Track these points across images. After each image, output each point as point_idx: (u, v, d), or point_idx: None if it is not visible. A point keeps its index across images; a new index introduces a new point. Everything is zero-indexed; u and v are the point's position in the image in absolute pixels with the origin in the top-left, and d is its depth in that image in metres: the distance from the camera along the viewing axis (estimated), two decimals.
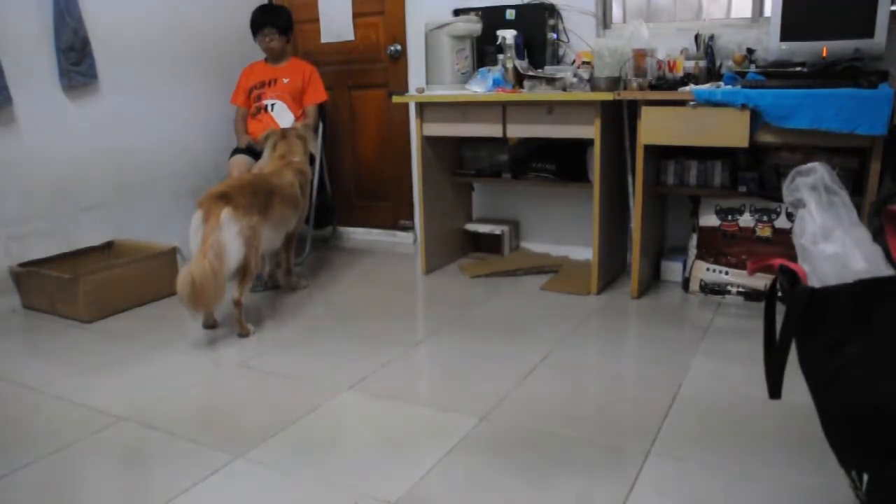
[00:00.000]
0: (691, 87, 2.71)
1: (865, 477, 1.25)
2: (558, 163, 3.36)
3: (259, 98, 3.71)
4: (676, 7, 3.47)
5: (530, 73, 3.12)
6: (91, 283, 2.95)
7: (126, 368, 2.48)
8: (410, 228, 4.18)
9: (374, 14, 4.02)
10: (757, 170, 2.93)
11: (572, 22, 3.43)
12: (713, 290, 3.01)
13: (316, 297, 3.24)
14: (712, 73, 2.93)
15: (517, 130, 3.11)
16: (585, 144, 3.15)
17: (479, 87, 3.16)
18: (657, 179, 3.11)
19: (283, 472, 1.78)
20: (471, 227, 3.79)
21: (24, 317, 3.08)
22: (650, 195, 3.05)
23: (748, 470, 1.72)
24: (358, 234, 4.38)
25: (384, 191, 4.26)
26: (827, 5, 2.64)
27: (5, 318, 3.05)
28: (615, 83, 2.89)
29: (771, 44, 2.73)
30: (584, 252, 3.51)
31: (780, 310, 1.30)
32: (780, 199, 2.78)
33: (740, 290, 2.95)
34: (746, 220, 2.96)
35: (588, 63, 3.03)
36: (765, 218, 2.93)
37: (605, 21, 3.46)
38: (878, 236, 1.34)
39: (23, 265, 3.11)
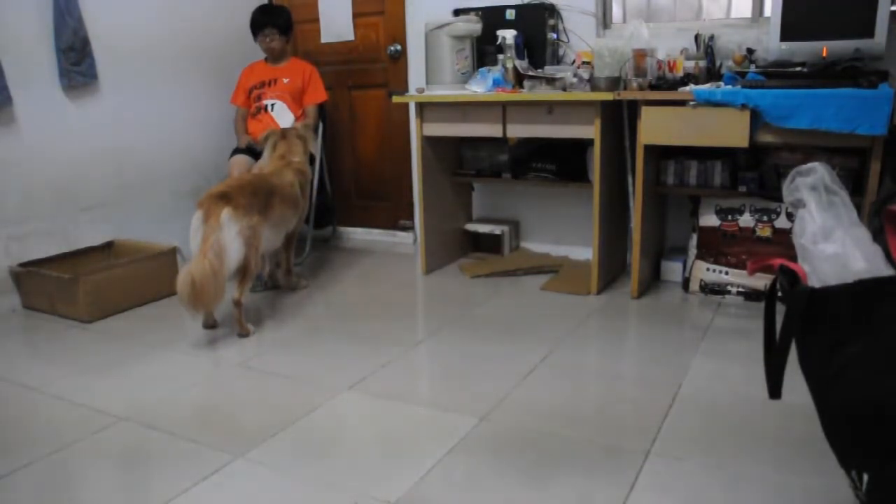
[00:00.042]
0: (691, 87, 2.71)
1: (865, 477, 1.25)
2: (558, 163, 3.36)
3: (259, 98, 3.71)
4: (676, 7, 3.47)
5: (530, 73, 3.12)
6: (91, 283, 2.95)
7: (126, 368, 2.48)
8: (410, 228, 4.18)
9: (374, 14, 4.02)
10: (757, 170, 2.93)
11: (572, 22, 3.43)
12: (713, 290, 3.01)
13: (316, 297, 3.24)
14: (712, 73, 2.93)
15: (517, 130, 3.11)
16: (585, 144, 3.15)
17: (479, 87, 3.16)
18: (657, 179, 3.11)
19: (283, 472, 1.78)
20: (471, 227, 3.79)
21: (24, 317, 3.08)
22: (650, 195, 3.05)
23: (748, 470, 1.72)
24: (358, 234, 4.38)
25: (384, 191, 4.26)
26: (827, 5, 2.64)
27: (5, 318, 3.05)
28: (615, 83, 2.89)
29: (771, 44, 2.73)
30: (584, 252, 3.51)
31: (780, 310, 1.30)
32: (780, 199, 2.78)
33: (740, 290, 2.95)
34: (746, 220, 2.96)
35: (588, 63, 3.03)
36: (765, 218, 2.93)
37: (605, 21, 3.46)
38: (878, 236, 1.34)
39: (23, 265, 3.11)
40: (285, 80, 3.71)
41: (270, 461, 1.83)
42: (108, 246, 3.48)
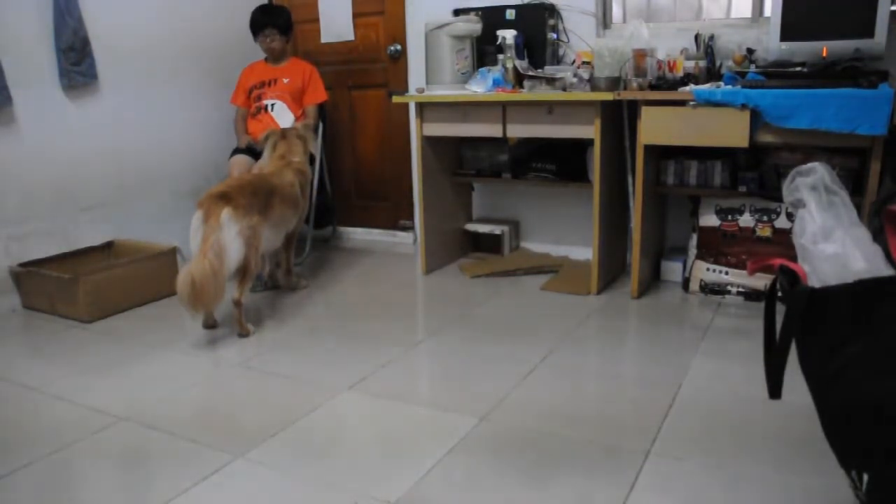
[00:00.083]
0: (691, 87, 2.71)
1: (865, 477, 1.25)
2: (558, 163, 3.36)
3: (259, 98, 3.71)
4: (676, 7, 3.47)
5: (530, 73, 3.12)
6: (91, 283, 2.95)
7: (126, 368, 2.48)
8: (410, 228, 4.18)
9: (374, 14, 4.02)
10: (757, 170, 2.93)
11: (572, 22, 3.43)
12: (713, 290, 3.01)
13: (316, 297, 3.24)
14: (712, 73, 2.93)
15: (517, 130, 3.11)
16: (585, 144, 3.15)
17: (479, 87, 3.16)
18: (657, 179, 3.11)
19: (283, 472, 1.78)
20: (471, 227, 3.79)
21: (24, 317, 3.08)
22: (650, 195, 3.05)
23: (748, 470, 1.72)
24: (358, 234, 4.38)
25: (384, 191, 4.26)
26: (827, 5, 2.64)
27: (5, 318, 3.05)
28: (615, 83, 2.89)
29: (771, 44, 2.73)
30: (584, 252, 3.51)
31: (780, 310, 1.30)
32: (780, 199, 2.78)
33: (740, 290, 2.95)
34: (746, 220, 2.96)
35: (588, 63, 3.03)
36: (765, 218, 2.93)
37: (605, 21, 3.46)
38: (878, 236, 1.34)
39: (23, 265, 3.11)
40: (285, 80, 3.71)
41: (270, 461, 1.83)
42: (108, 246, 3.48)
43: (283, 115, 3.67)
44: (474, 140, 3.56)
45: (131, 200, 3.60)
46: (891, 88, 2.40)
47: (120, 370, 2.47)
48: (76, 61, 3.25)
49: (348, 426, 2.03)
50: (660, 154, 3.05)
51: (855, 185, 2.68)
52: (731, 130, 2.60)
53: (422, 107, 3.32)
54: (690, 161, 3.02)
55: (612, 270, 3.31)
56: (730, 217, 2.99)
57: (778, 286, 1.33)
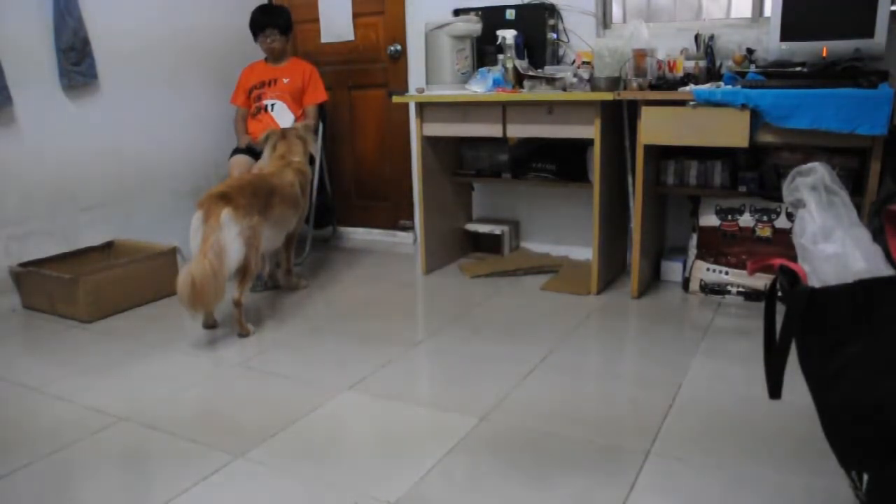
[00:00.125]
0: (691, 87, 2.71)
1: (865, 477, 1.25)
2: (558, 163, 3.36)
3: (259, 98, 3.71)
4: (676, 7, 3.47)
5: (530, 73, 3.12)
6: (91, 283, 2.95)
7: (126, 368, 2.48)
8: (410, 228, 4.18)
9: (374, 14, 4.02)
10: (757, 170, 2.93)
11: (572, 22, 3.43)
12: (713, 290, 3.01)
13: (316, 297, 3.24)
14: (712, 73, 2.93)
15: (517, 130, 3.11)
16: (585, 144, 3.15)
17: (479, 87, 3.16)
18: (657, 179, 3.11)
19: (283, 472, 1.78)
20: (471, 227, 3.79)
21: (24, 317, 3.08)
22: (650, 195, 3.05)
23: (748, 470, 1.72)
24: (358, 234, 4.38)
25: (384, 191, 4.26)
26: (827, 5, 2.64)
27: (5, 318, 3.05)
28: (615, 83, 2.89)
29: (771, 44, 2.73)
30: (584, 252, 3.51)
31: (780, 310, 1.30)
32: (780, 199, 2.78)
33: (740, 290, 2.95)
34: (746, 220, 2.97)
35: (588, 63, 3.03)
36: (765, 218, 2.93)
37: (605, 21, 3.46)
38: (878, 236, 1.34)
39: (23, 265, 3.11)
40: (285, 80, 3.71)
41: (270, 461, 1.83)
42: (108, 246, 3.48)
43: (283, 116, 3.67)
44: (474, 140, 3.56)
45: (131, 200, 3.60)
46: (891, 88, 2.40)
47: (120, 370, 2.47)
48: (76, 61, 3.25)
49: (348, 426, 2.03)
50: (660, 154, 3.06)
51: (855, 185, 2.68)
52: (731, 130, 2.60)
53: (422, 107, 3.32)
54: (690, 161, 3.02)
55: (612, 270, 3.31)
56: (730, 217, 2.99)
57: (778, 286, 1.33)
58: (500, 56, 3.22)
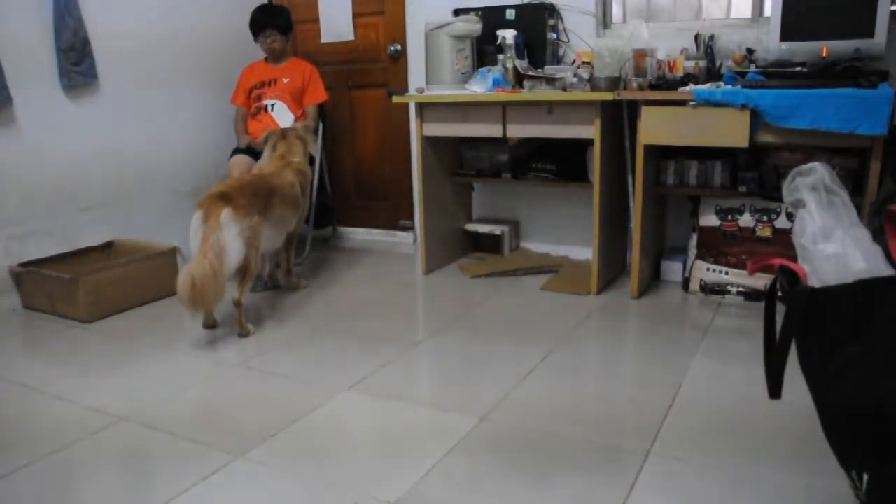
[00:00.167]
0: (691, 87, 2.71)
1: (865, 477, 1.25)
2: (558, 163, 3.36)
3: (259, 98, 3.71)
4: (676, 7, 3.47)
5: (530, 73, 3.12)
6: (91, 283, 2.95)
7: (126, 368, 2.48)
8: (410, 228, 4.18)
9: (374, 14, 4.02)
10: (757, 170, 2.93)
11: (572, 22, 3.43)
12: (713, 290, 3.01)
13: (316, 297, 3.24)
14: (712, 73, 2.93)
15: (517, 130, 3.11)
16: (585, 144, 3.15)
17: (479, 87, 3.16)
18: (657, 179, 3.11)
19: (283, 472, 1.78)
20: (471, 227, 3.79)
21: (24, 317, 3.08)
22: (650, 195, 3.05)
23: (748, 470, 1.72)
24: (358, 234, 4.38)
25: (384, 191, 4.26)
26: (827, 5, 2.64)
27: (5, 318, 3.05)
28: (615, 83, 2.89)
29: (771, 44, 2.73)
30: (584, 252, 3.51)
31: (780, 310, 1.30)
32: (780, 199, 2.78)
33: (740, 290, 2.95)
34: (746, 220, 2.97)
35: (588, 63, 3.03)
36: (765, 218, 2.93)
37: (605, 21, 3.46)
38: (878, 236, 1.34)
39: (23, 265, 3.11)
40: (285, 80, 3.71)
41: (270, 461, 1.83)
42: (108, 246, 3.48)
43: (283, 116, 3.67)
44: (474, 140, 3.56)
45: (131, 200, 3.60)
46: (891, 88, 2.40)
47: (120, 370, 2.47)
48: (76, 61, 3.25)
49: (348, 426, 2.03)
50: (660, 154, 3.06)
51: (855, 185, 2.68)
52: (731, 130, 2.60)
53: (422, 107, 3.32)
54: (690, 161, 3.02)
55: (612, 270, 3.31)
56: (730, 217, 2.99)
57: (778, 286, 1.33)
58: (500, 56, 3.22)
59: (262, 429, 1.99)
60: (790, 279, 1.27)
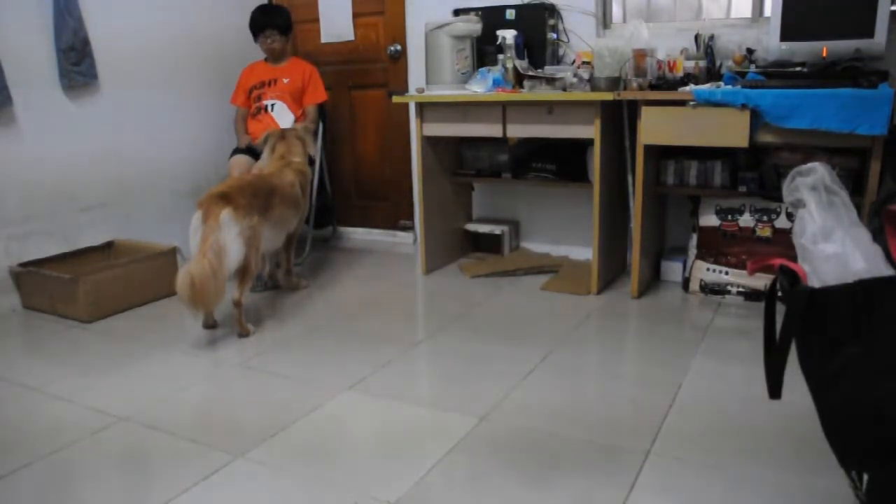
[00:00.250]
0: (691, 87, 2.71)
1: (865, 477, 1.25)
2: (558, 163, 3.36)
3: (259, 98, 3.71)
4: (676, 7, 3.47)
5: (530, 73, 3.12)
6: (91, 283, 2.95)
7: (126, 368, 2.48)
8: (410, 228, 4.18)
9: (374, 14, 4.02)
10: (757, 170, 2.93)
11: (572, 22, 3.43)
12: (713, 290, 3.01)
13: (316, 297, 3.24)
14: (712, 73, 2.93)
15: (517, 130, 3.11)
16: (585, 144, 3.15)
17: (479, 87, 3.16)
18: (657, 179, 3.11)
19: (283, 472, 1.78)
20: (471, 227, 3.79)
21: (24, 317, 3.08)
22: (650, 195, 3.05)
23: (748, 470, 1.72)
24: (358, 234, 4.38)
25: (384, 191, 4.26)
26: (827, 5, 2.64)
27: (5, 318, 3.05)
28: (615, 83, 2.89)
29: (771, 44, 2.73)
30: (584, 252, 3.51)
31: (780, 310, 1.30)
32: (780, 199, 2.78)
33: (740, 290, 2.95)
34: (746, 220, 2.97)
35: (588, 63, 3.03)
36: (765, 218, 2.93)
37: (605, 21, 3.46)
38: (878, 236, 1.34)
39: (23, 265, 3.11)
40: (285, 81, 3.71)
41: (270, 461, 1.83)
42: (108, 246, 3.48)
43: (283, 116, 3.67)
44: (474, 140, 3.56)
45: (131, 200, 3.60)
46: (891, 88, 2.40)
47: (120, 370, 2.47)
48: (76, 61, 3.25)
49: (348, 426, 2.03)
50: (660, 154, 3.06)
51: (855, 185, 2.68)
52: (731, 130, 2.60)
53: (422, 107, 3.32)
54: (690, 161, 3.02)
55: (612, 270, 3.31)
56: (730, 217, 2.99)
57: (778, 286, 1.33)
58: (500, 56, 3.22)
59: (262, 429, 1.99)
60: (790, 279, 1.27)
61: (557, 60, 3.41)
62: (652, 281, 3.25)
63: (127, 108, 3.54)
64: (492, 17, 3.33)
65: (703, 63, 2.92)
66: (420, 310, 3.14)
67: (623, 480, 1.69)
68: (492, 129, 3.15)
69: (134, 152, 3.59)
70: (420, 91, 3.34)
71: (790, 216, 2.76)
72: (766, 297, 1.40)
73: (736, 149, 2.77)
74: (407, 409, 2.11)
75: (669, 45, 3.09)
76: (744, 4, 3.22)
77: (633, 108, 2.94)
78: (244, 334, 2.72)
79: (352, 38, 4.11)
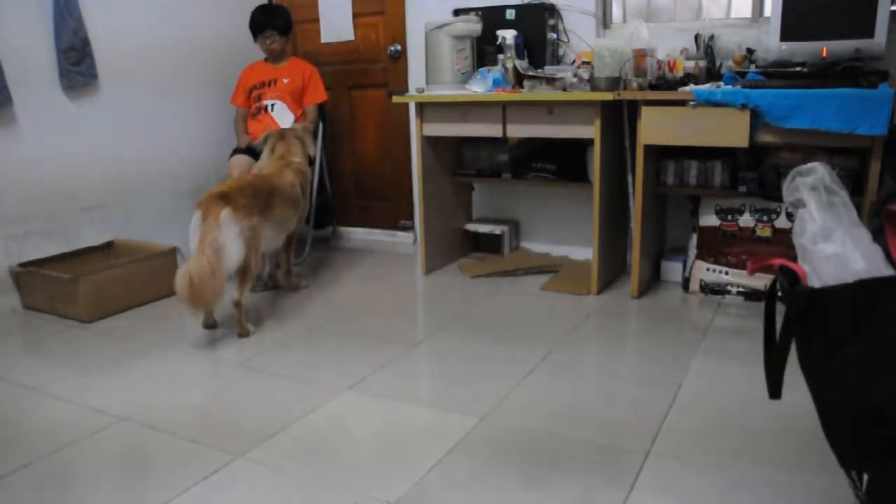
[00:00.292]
0: (691, 87, 2.71)
1: (865, 477, 1.25)
2: (558, 163, 3.36)
3: (259, 98, 3.71)
4: (676, 7, 3.47)
5: (530, 73, 3.12)
6: (91, 283, 2.95)
7: (126, 368, 2.48)
8: (410, 228, 4.18)
9: (374, 14, 4.02)
10: (757, 170, 2.93)
11: (572, 22, 3.43)
12: (713, 290, 3.01)
13: (316, 297, 3.24)
14: (712, 73, 2.93)
15: (517, 130, 3.11)
16: (585, 144, 3.15)
17: (479, 87, 3.16)
18: (657, 179, 3.11)
19: (283, 472, 1.78)
20: (471, 227, 3.79)
21: (24, 317, 3.08)
22: (650, 195, 3.05)
23: (748, 470, 1.72)
24: (358, 234, 4.38)
25: (384, 191, 4.26)
26: (827, 5, 2.64)
27: (5, 318, 3.04)
28: (615, 83, 2.89)
29: (771, 44, 2.73)
30: (584, 252, 3.51)
31: (780, 310, 1.30)
32: (780, 199, 2.78)
33: (740, 290, 2.95)
34: (746, 220, 2.97)
35: (588, 63, 3.03)
36: (765, 218, 2.93)
37: (605, 21, 3.46)
38: (878, 236, 1.33)
39: (23, 265, 3.11)
40: (285, 81, 3.71)
41: (270, 461, 1.83)
42: (108, 246, 3.48)
43: (283, 116, 3.67)
44: (474, 140, 3.56)
45: (131, 200, 3.60)
46: (891, 88, 2.40)
47: (120, 370, 2.47)
48: (76, 61, 3.25)
49: (348, 426, 2.03)
50: (660, 154, 3.06)
51: (855, 185, 2.68)
52: (731, 130, 2.60)
53: (422, 107, 3.32)
54: (690, 161, 3.02)
55: (612, 270, 3.31)
56: (730, 217, 2.99)
57: (778, 286, 1.33)
58: (500, 56, 3.22)
59: (262, 429, 1.99)
60: (790, 279, 1.27)
61: (557, 60, 3.41)
62: (652, 281, 3.25)
63: (127, 108, 3.54)
64: (492, 17, 3.33)
65: (703, 63, 2.92)
66: (420, 310, 3.14)
67: (623, 480, 1.69)
68: (492, 129, 3.15)
69: (134, 152, 3.59)
70: (420, 91, 3.35)
71: (790, 216, 2.76)
72: (766, 297, 1.39)
73: (736, 149, 2.77)
74: (407, 409, 2.11)
75: (669, 45, 3.09)
76: (744, 4, 3.22)
77: (633, 108, 2.94)
78: (244, 334, 2.72)
79: (352, 38, 4.11)
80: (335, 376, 2.33)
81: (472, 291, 3.23)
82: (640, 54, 2.82)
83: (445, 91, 3.25)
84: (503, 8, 3.34)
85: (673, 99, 2.72)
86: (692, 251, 3.10)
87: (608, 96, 2.84)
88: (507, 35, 3.18)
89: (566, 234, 3.67)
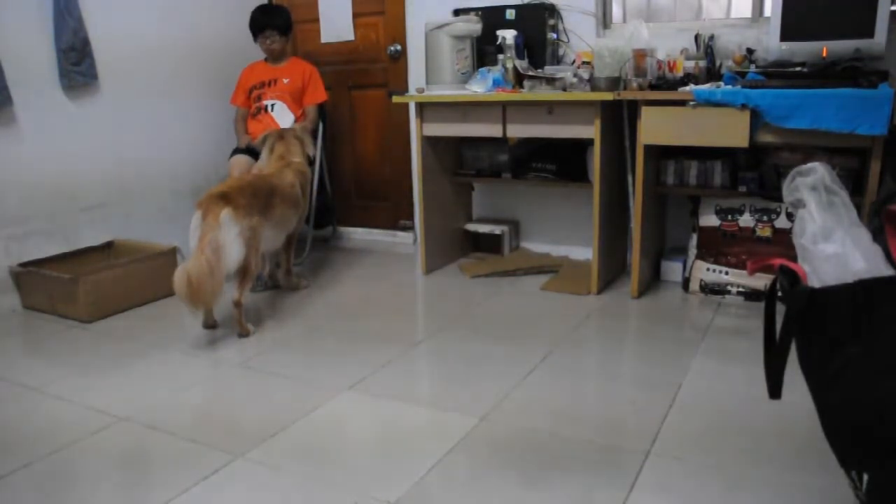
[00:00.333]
0: (691, 87, 2.71)
1: (865, 477, 1.25)
2: (558, 163, 3.36)
3: (259, 98, 3.71)
4: (676, 7, 3.47)
5: (530, 73, 3.12)
6: (91, 283, 2.95)
7: (126, 368, 2.48)
8: (410, 228, 4.18)
9: (374, 14, 4.02)
10: (757, 170, 2.93)
11: (572, 22, 3.43)
12: (713, 290, 3.01)
13: (316, 297, 3.24)
14: (712, 73, 2.93)
15: (517, 130, 3.11)
16: (585, 144, 3.15)
17: (479, 87, 3.16)
18: (657, 179, 3.11)
19: (283, 472, 1.78)
20: (471, 227, 3.79)
21: (24, 317, 3.08)
22: (650, 195, 3.05)
23: (748, 470, 1.72)
24: (358, 234, 4.38)
25: (384, 191, 4.26)
26: (827, 5, 2.64)
27: (5, 318, 3.04)
28: (615, 83, 2.89)
29: (771, 44, 2.73)
30: (584, 252, 3.51)
31: (780, 310, 1.30)
32: (780, 199, 2.78)
33: (740, 290, 2.95)
34: (746, 220, 2.97)
35: (588, 63, 3.03)
36: (765, 218, 2.93)
37: (605, 21, 3.46)
38: (878, 236, 1.33)
39: (23, 265, 3.11)
40: (285, 81, 3.71)
41: (270, 461, 1.83)
42: (108, 246, 3.48)
43: (283, 116, 3.67)
44: (474, 140, 3.56)
45: (131, 200, 3.60)
46: (891, 88, 2.40)
47: (120, 370, 2.47)
48: (76, 61, 3.25)
49: (348, 426, 2.03)
50: (660, 154, 3.06)
51: (855, 185, 2.68)
52: (731, 130, 2.60)
53: (422, 107, 3.32)
54: (690, 161, 3.02)
55: (612, 270, 3.31)
56: (730, 217, 2.99)
57: (778, 286, 1.33)
58: (500, 56, 3.22)
59: (262, 429, 1.99)
60: (790, 279, 1.27)
61: (557, 60, 3.41)
62: (652, 281, 3.25)
63: (127, 108, 3.54)
64: (492, 17, 3.33)
65: (703, 63, 2.92)
66: (420, 310, 3.14)
67: (623, 480, 1.69)
68: (492, 129, 3.15)
69: (134, 152, 3.59)
70: (420, 91, 3.35)
71: (790, 216, 2.76)
72: (766, 297, 1.39)
73: (736, 149, 2.77)
74: (407, 409, 2.11)
75: (669, 45, 3.10)
76: (744, 4, 3.22)
77: (633, 108, 2.94)
78: (244, 334, 2.72)
79: (352, 38, 4.11)
80: (335, 376, 2.33)
81: (472, 291, 3.23)
82: (640, 54, 2.82)
83: (445, 91, 3.25)
84: (503, 8, 3.34)
85: (673, 99, 2.72)
86: (692, 251, 3.10)
87: (608, 96, 2.84)
88: (507, 35, 3.18)
89: (566, 234, 3.67)
